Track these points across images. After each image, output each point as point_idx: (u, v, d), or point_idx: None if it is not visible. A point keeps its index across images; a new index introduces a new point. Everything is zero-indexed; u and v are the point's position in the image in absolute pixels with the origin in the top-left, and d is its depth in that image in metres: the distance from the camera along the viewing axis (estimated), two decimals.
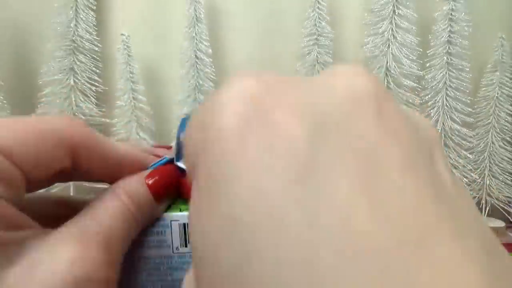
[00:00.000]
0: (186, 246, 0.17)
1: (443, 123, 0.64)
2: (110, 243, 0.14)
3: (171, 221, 0.17)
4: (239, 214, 0.08)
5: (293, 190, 0.08)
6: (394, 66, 0.62)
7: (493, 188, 0.66)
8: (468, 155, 0.64)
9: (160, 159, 0.18)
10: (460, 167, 0.64)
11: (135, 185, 0.16)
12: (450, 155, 0.64)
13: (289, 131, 0.08)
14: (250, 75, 0.09)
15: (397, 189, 0.08)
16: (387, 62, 0.62)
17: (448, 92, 0.64)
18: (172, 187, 0.17)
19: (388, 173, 0.08)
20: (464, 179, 0.64)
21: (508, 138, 0.66)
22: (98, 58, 0.67)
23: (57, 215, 0.15)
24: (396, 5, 0.62)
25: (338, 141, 0.08)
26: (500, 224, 0.66)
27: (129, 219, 0.15)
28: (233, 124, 0.08)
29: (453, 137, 0.64)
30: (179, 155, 0.18)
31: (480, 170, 0.67)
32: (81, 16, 0.64)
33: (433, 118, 0.64)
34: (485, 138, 0.66)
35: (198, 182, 0.09)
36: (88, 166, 0.15)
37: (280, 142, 0.08)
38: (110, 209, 0.15)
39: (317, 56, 0.65)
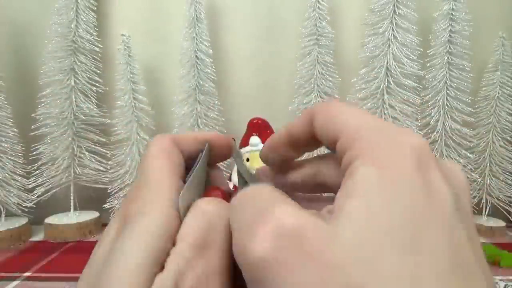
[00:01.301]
0: None
1: (443, 123, 0.64)
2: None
3: None
4: None
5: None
6: (395, 66, 0.62)
7: (494, 188, 0.66)
8: (468, 154, 0.64)
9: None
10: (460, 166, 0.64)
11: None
12: (451, 154, 0.64)
13: (441, 189, 0.12)
14: None
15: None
16: (387, 62, 0.62)
17: (448, 91, 0.64)
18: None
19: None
20: None
21: (508, 138, 0.66)
22: (98, 59, 0.67)
23: None
24: (396, 5, 0.62)
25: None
26: (501, 223, 0.66)
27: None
28: None
29: (453, 137, 0.64)
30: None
31: (481, 169, 0.67)
32: (82, 17, 0.65)
33: (434, 118, 0.64)
34: (486, 138, 0.66)
35: None
36: None
37: (437, 197, 0.12)
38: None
39: (317, 56, 0.65)
